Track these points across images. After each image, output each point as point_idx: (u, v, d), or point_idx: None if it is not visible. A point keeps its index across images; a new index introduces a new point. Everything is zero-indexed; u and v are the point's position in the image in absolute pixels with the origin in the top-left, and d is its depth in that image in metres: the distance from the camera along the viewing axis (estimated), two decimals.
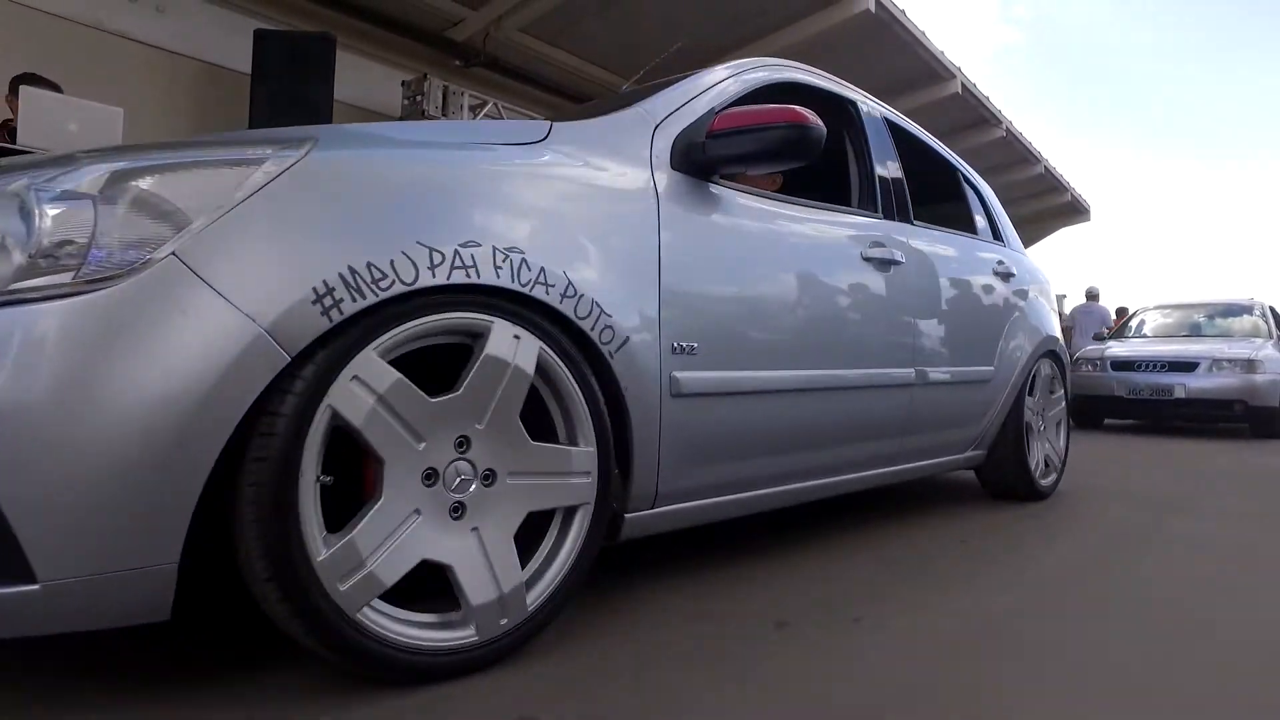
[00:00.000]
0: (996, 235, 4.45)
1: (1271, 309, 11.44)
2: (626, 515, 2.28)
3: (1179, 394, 9.58)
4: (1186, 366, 9.75)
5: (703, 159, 2.49)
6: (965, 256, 3.88)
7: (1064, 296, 15.51)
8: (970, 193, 4.40)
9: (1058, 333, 4.59)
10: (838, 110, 3.49)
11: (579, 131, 2.34)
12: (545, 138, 2.24)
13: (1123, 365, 10.29)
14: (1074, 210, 17.16)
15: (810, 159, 2.47)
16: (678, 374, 2.33)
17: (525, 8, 8.50)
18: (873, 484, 3.36)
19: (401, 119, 8.59)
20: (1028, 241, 18.34)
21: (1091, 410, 10.53)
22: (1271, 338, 10.61)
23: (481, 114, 9.05)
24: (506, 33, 8.90)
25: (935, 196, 4.41)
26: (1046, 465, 4.42)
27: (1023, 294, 4.30)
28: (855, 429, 3.09)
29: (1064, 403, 4.61)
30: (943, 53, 10.64)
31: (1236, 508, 4.36)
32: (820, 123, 2.46)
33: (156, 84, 7.45)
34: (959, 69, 11.03)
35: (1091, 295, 13.97)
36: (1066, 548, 3.29)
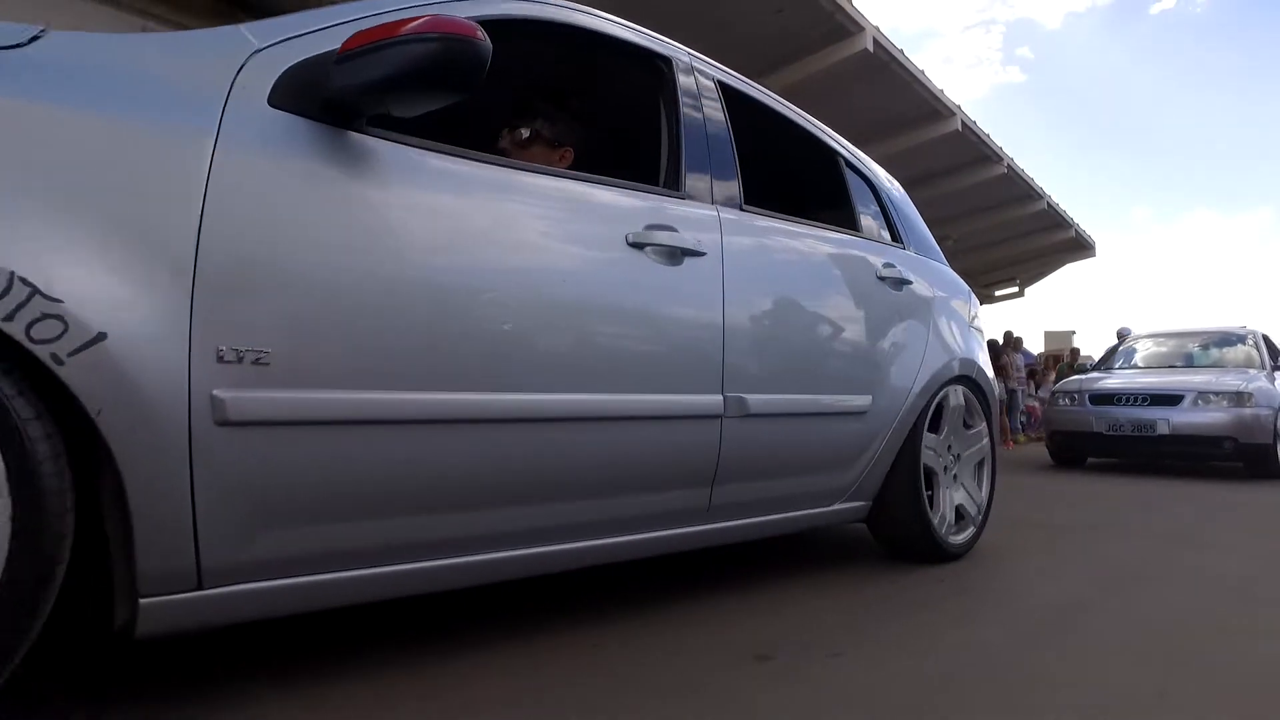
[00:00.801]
0: (896, 237, 3.18)
1: (1266, 338, 9.15)
2: (142, 600, 1.34)
3: (1162, 430, 7.53)
4: (1170, 400, 7.72)
5: (330, 93, 1.55)
6: (828, 256, 2.69)
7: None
8: (855, 182, 3.11)
9: (978, 356, 3.29)
10: (646, 69, 2.42)
11: (88, 47, 1.41)
12: (23, 45, 1.33)
13: (1102, 399, 8.21)
14: (1078, 246, 15.36)
15: (470, 87, 1.56)
16: (222, 393, 1.36)
17: None
18: (679, 547, 2.22)
19: None
20: (1033, 277, 17.04)
21: (1070, 448, 8.52)
22: (1265, 368, 8.40)
23: None
24: None
25: (803, 186, 3.25)
26: (959, 518, 3.10)
27: (923, 306, 3.02)
28: (606, 476, 1.96)
29: (986, 440, 3.30)
30: (942, 91, 9.52)
31: (1209, 588, 2.82)
32: (486, 40, 1.54)
33: None
34: (958, 107, 9.87)
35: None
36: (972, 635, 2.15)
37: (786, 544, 3.30)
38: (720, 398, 2.18)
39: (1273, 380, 8.05)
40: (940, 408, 3.05)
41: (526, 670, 1.79)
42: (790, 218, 2.63)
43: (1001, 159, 11.00)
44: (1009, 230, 13.59)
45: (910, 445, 2.86)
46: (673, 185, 2.28)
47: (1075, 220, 13.82)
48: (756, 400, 2.28)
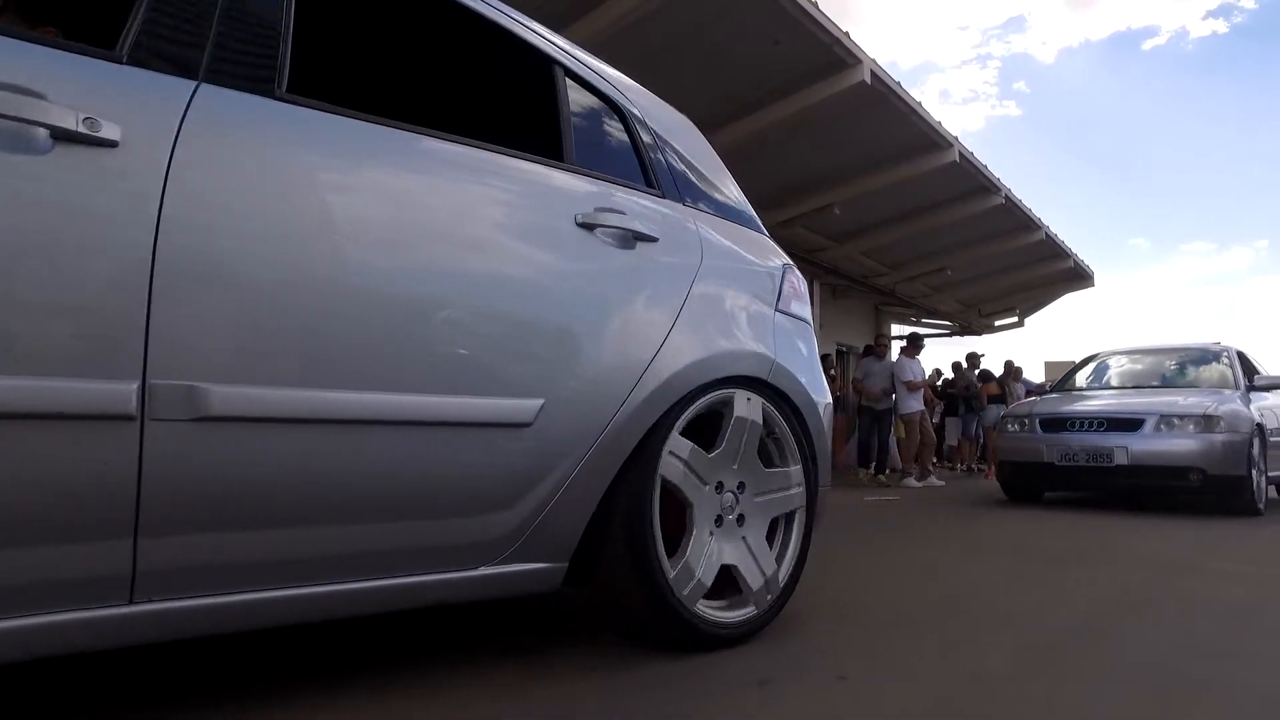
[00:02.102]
0: (651, 180, 1.79)
1: (1241, 355, 6.58)
2: None
3: (1120, 459, 5.22)
4: (1129, 425, 5.38)
5: None
6: (456, 183, 1.42)
7: None
8: (580, 101, 1.73)
9: (793, 359, 1.89)
10: None
11: None
12: None
13: (1054, 424, 5.78)
14: (1077, 276, 12.91)
15: None
16: None
17: None
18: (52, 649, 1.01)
19: None
20: (1032, 307, 14.80)
21: (1020, 481, 6.09)
22: (1239, 388, 5.93)
23: None
24: None
25: (501, 104, 1.97)
26: (737, 590, 1.73)
27: (673, 274, 1.69)
28: None
29: (797, 489, 1.86)
30: (940, 123, 8.04)
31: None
32: None
33: None
34: (956, 138, 8.33)
35: None
36: None
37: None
38: (134, 388, 1.00)
39: (1247, 401, 5.71)
40: (718, 420, 1.73)
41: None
42: (380, 120, 1.34)
43: (1000, 189, 9.32)
44: (1008, 260, 11.65)
45: (635, 475, 1.55)
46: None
47: (1074, 250, 11.77)
48: (227, 395, 1.07)
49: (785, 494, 1.85)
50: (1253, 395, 5.95)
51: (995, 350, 20.77)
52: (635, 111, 1.84)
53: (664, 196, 1.80)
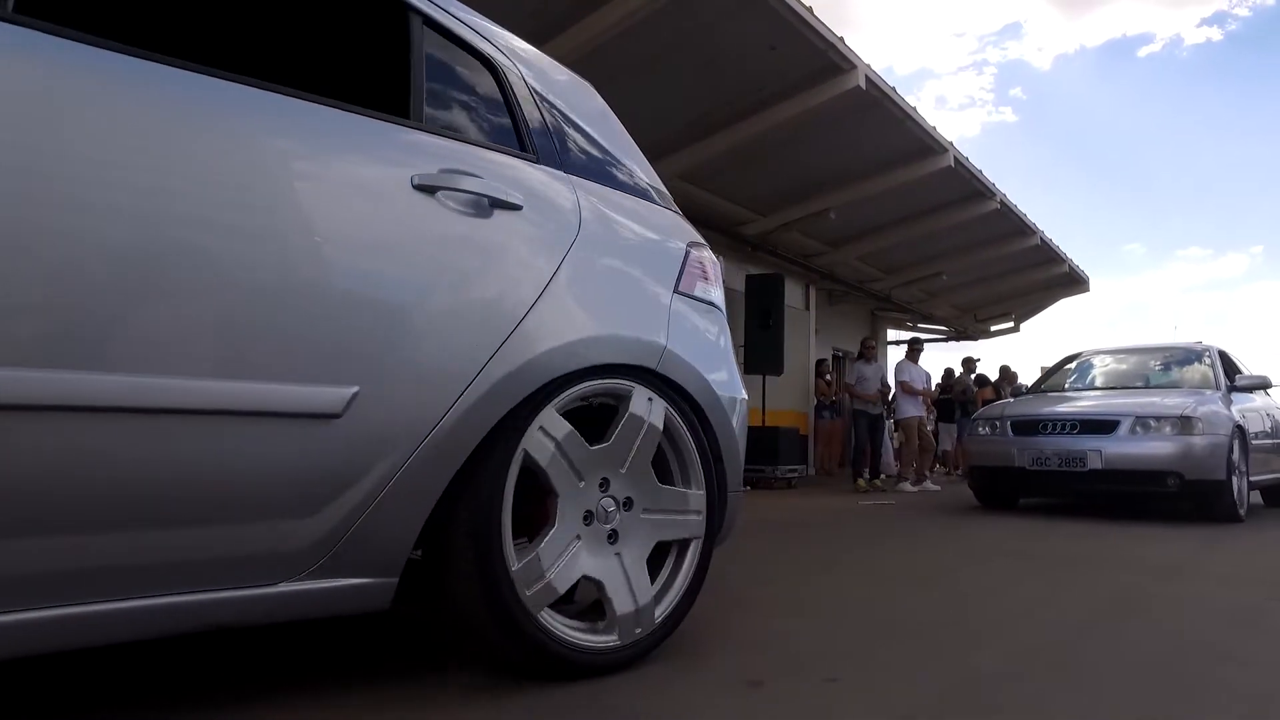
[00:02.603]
0: (525, 145, 1.44)
1: (1223, 354, 5.81)
2: None
3: (1094, 464, 4.57)
4: (1104, 427, 4.73)
5: None
6: (249, 133, 1.08)
7: None
8: (442, 54, 1.38)
9: (699, 357, 1.55)
10: None
11: None
12: None
13: (1026, 426, 5.08)
14: (1072, 281, 12.18)
15: None
16: None
17: None
18: None
19: None
20: (1028, 312, 14.09)
21: (992, 487, 5.39)
22: (1220, 389, 5.23)
23: None
24: None
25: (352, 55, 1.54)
26: (595, 612, 1.39)
27: (549, 247, 1.36)
28: None
29: (693, 507, 1.51)
30: (934, 128, 7.61)
31: None
32: None
33: None
34: (951, 144, 7.87)
35: None
36: None
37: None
38: None
39: (1228, 403, 5.05)
40: (605, 414, 1.41)
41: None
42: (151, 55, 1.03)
43: (994, 195, 8.82)
44: (1003, 265, 11.05)
45: (486, 471, 1.24)
46: None
47: (1068, 256, 11.14)
48: None
49: (679, 518, 1.51)
50: (1234, 396, 5.29)
51: (991, 355, 19.97)
52: (515, 70, 1.51)
53: (539, 162, 1.46)
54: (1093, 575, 2.63)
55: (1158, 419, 4.67)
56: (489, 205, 1.31)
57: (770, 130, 6.99)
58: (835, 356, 11.21)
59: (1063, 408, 5.38)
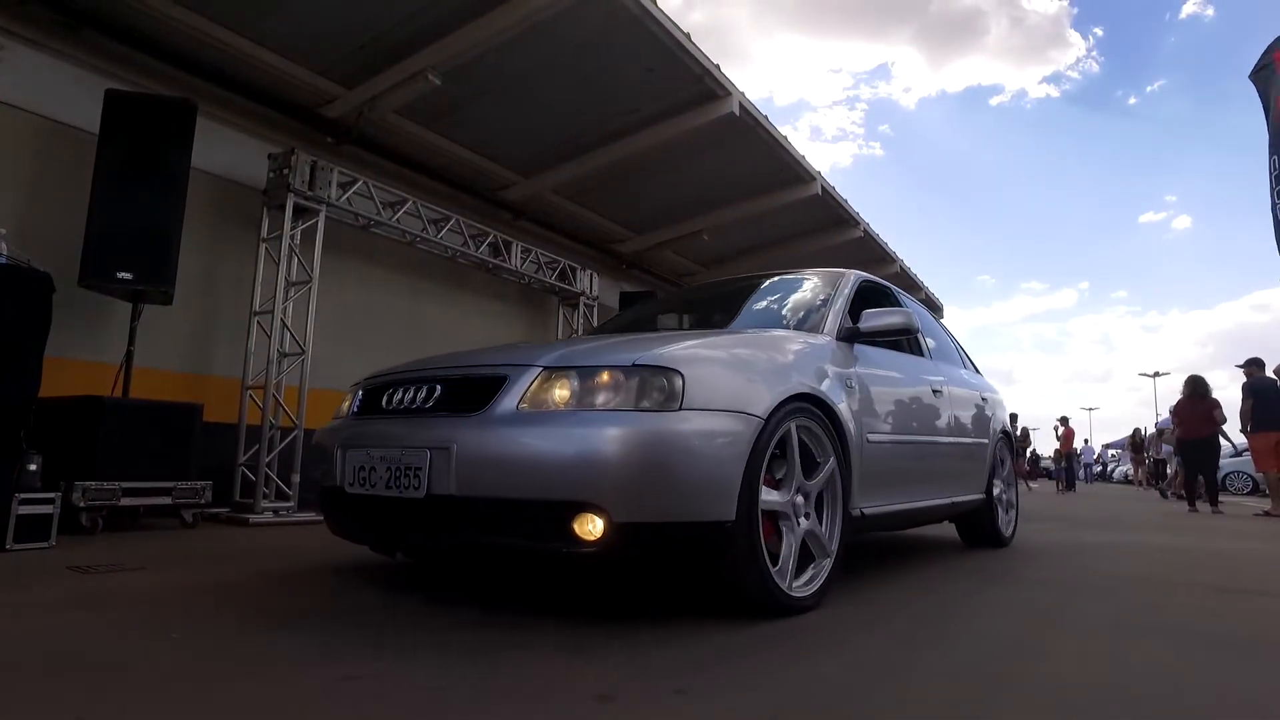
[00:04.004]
0: None
1: (871, 283, 3.54)
2: None
3: (435, 484, 1.94)
4: (470, 393, 2.09)
5: None
6: None
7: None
8: None
9: None
10: None
11: None
12: None
13: (367, 405, 2.46)
14: (929, 307, 13.00)
15: None
16: None
17: (399, 90, 5.72)
18: None
19: (265, 191, 5.73)
20: None
21: (342, 524, 2.45)
22: (828, 335, 2.80)
23: (350, 191, 6.14)
24: (380, 113, 6.11)
25: None
26: None
27: None
28: None
29: None
30: (804, 157, 7.76)
31: None
32: None
33: None
34: (819, 173, 8.08)
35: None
36: None
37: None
38: None
39: (826, 359, 2.66)
40: None
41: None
42: None
43: (859, 223, 9.18)
44: None
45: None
46: None
47: (925, 283, 11.88)
48: None
49: None
50: (856, 350, 2.84)
51: None
52: None
53: None
54: None
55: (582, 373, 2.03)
56: None
57: (646, 151, 6.89)
58: None
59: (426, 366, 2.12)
